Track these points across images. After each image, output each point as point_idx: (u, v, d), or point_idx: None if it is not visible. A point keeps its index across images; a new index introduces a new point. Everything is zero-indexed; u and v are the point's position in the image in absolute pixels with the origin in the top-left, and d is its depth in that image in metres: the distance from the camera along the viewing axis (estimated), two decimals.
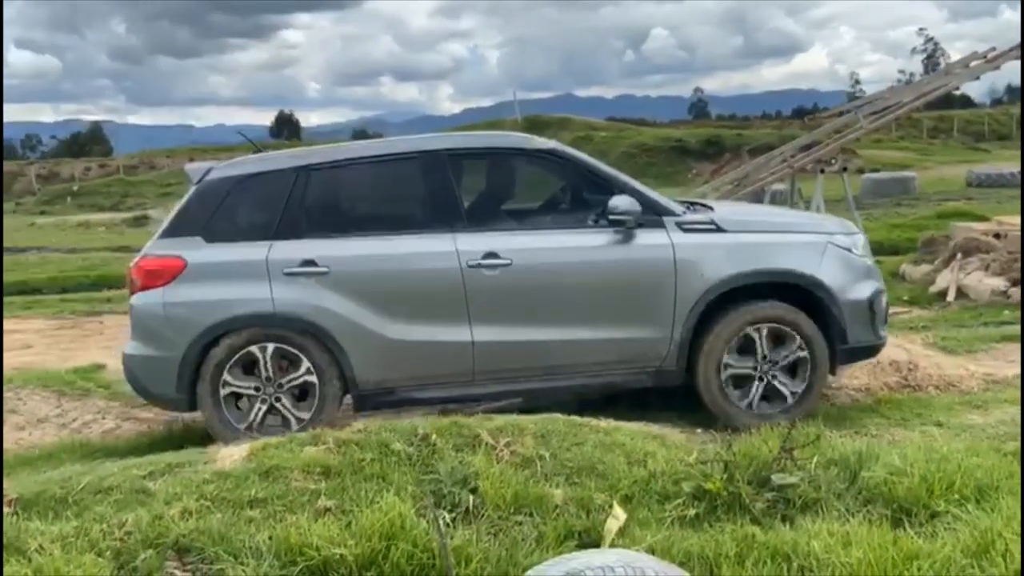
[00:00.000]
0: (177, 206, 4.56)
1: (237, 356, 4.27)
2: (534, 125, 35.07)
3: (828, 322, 4.40)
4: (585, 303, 4.36)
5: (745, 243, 4.43)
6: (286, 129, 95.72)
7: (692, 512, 2.84)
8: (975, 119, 51.97)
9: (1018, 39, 9.00)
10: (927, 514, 2.63)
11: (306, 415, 4.27)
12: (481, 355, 4.32)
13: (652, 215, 4.37)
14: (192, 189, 4.51)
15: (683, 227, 4.39)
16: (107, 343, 8.26)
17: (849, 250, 4.57)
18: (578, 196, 4.61)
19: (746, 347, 4.40)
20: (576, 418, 3.77)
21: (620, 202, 4.28)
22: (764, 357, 4.39)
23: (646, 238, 4.35)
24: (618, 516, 2.79)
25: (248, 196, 4.46)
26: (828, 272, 4.41)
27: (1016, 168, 22.95)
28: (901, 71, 71.06)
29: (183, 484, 2.96)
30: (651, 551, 2.49)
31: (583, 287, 4.36)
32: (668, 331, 4.35)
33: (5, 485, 3.04)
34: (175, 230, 4.42)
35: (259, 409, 4.31)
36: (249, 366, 4.31)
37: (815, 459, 3.09)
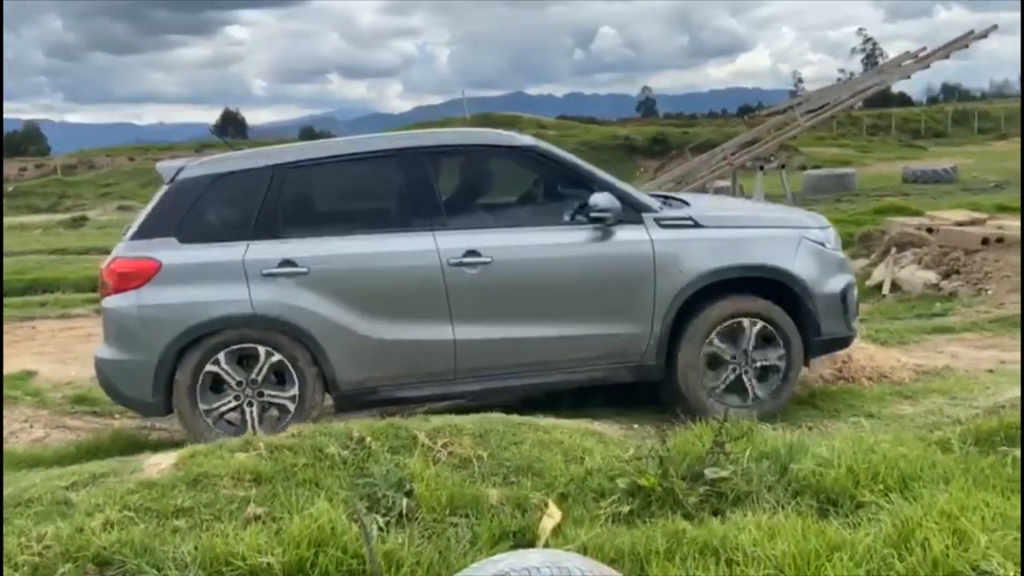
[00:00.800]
0: (148, 205, 4.47)
1: (238, 347, 4.23)
2: (484, 123, 35.01)
3: (802, 315, 4.49)
4: (566, 300, 4.38)
5: (722, 238, 4.49)
6: (232, 127, 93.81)
7: (626, 508, 2.85)
8: (912, 117, 53.58)
9: (948, 38, 9.28)
10: (852, 504, 2.68)
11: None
12: (463, 353, 4.32)
13: (631, 211, 4.41)
14: (164, 188, 4.41)
15: (661, 223, 4.43)
16: (39, 349, 7.99)
17: (822, 244, 4.66)
18: (558, 193, 4.63)
19: (724, 341, 4.47)
20: (515, 417, 3.77)
21: (600, 199, 4.30)
22: (734, 357, 4.46)
23: (626, 234, 4.38)
24: (553, 515, 2.78)
25: (223, 195, 4.39)
26: (802, 266, 4.50)
27: (949, 165, 23.76)
28: (841, 70, 72.89)
29: (106, 494, 2.86)
30: (583, 549, 2.50)
31: (564, 284, 4.38)
32: (648, 326, 4.38)
33: None
34: (147, 231, 4.33)
35: (227, 402, 4.26)
36: (243, 360, 4.28)
37: (748, 452, 3.13)
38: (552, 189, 4.68)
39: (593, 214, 4.31)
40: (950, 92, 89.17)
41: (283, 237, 4.29)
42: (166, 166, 4.50)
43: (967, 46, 8.77)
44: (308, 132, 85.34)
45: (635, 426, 4.13)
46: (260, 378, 4.24)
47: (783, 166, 10.96)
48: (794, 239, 4.56)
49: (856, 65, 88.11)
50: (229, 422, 4.25)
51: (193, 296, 4.18)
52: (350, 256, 4.29)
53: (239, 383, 4.24)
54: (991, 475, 2.91)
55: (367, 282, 4.28)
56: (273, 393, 4.26)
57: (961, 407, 4.46)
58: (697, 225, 4.47)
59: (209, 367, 4.20)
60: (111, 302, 4.27)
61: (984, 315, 7.27)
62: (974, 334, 6.78)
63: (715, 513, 2.82)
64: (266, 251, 4.24)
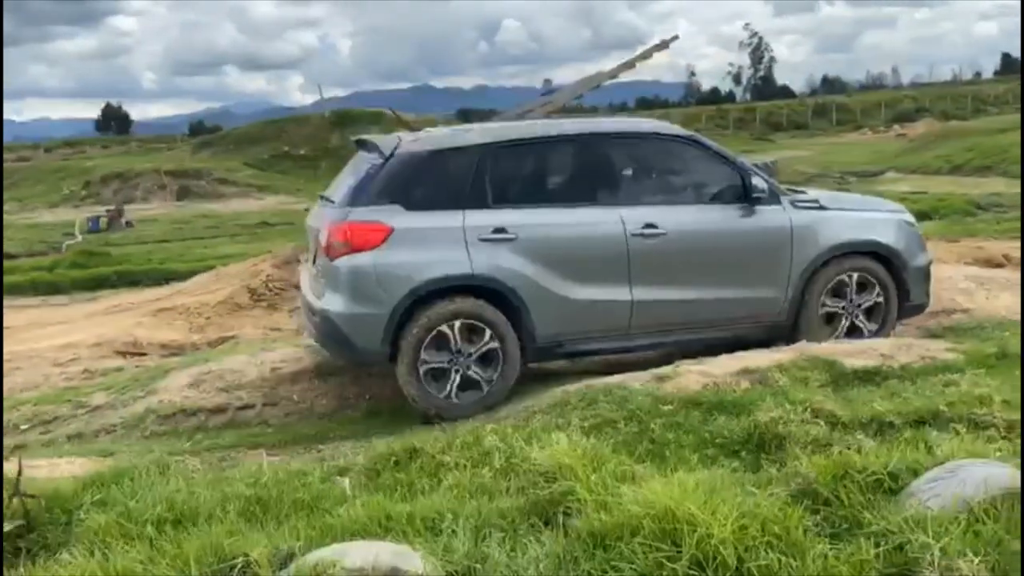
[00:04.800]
0: (356, 174, 4.98)
1: (470, 321, 4.66)
2: (343, 120, 34.50)
3: (898, 283, 5.31)
4: (723, 267, 5.07)
5: (843, 219, 5.31)
6: (114, 123, 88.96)
7: None
8: (775, 110, 55.84)
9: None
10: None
11: (492, 374, 4.72)
12: (638, 312, 4.94)
13: (772, 195, 5.15)
14: (379, 160, 4.85)
15: (796, 205, 5.22)
16: None
17: (912, 226, 5.58)
18: (710, 176, 5.23)
19: (838, 290, 5.24)
20: None
21: (759, 182, 5.07)
22: (851, 301, 5.25)
23: (769, 214, 5.12)
24: None
25: (439, 170, 4.85)
26: (902, 243, 5.36)
27: (771, 159, 24.83)
28: (731, 64, 75.31)
29: None
30: None
31: (722, 254, 5.09)
32: (784, 291, 5.14)
33: None
34: (372, 198, 4.73)
35: (441, 362, 4.67)
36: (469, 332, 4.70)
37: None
38: (706, 172, 5.26)
39: (755, 194, 5.04)
40: (830, 85, 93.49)
41: (492, 207, 4.79)
42: (383, 141, 5.03)
43: (650, 56, 9.19)
44: (198, 127, 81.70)
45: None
46: (475, 354, 4.69)
47: None
48: (894, 221, 5.48)
49: (744, 59, 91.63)
50: (434, 378, 4.67)
51: (422, 257, 4.63)
52: (551, 225, 4.85)
53: (458, 351, 4.67)
54: (314, 501, 2.96)
55: (564, 248, 4.83)
56: (477, 370, 4.71)
57: None
58: (822, 208, 5.27)
59: (443, 328, 4.63)
60: (348, 261, 4.63)
61: None
62: None
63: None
64: (480, 219, 4.74)
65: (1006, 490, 2.51)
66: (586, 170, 5.09)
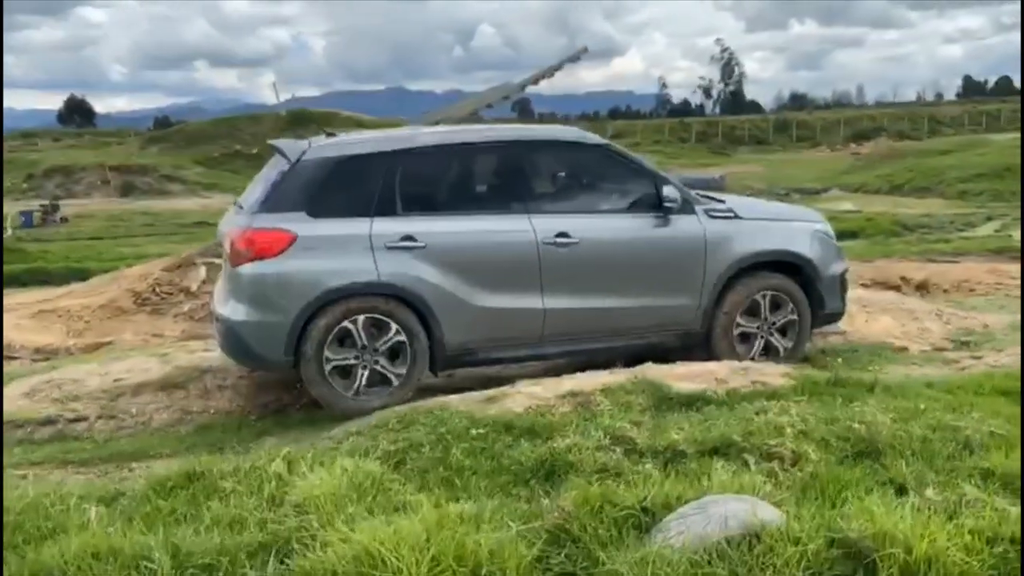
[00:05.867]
0: (266, 180, 4.81)
1: (374, 316, 4.57)
2: (299, 120, 34.16)
3: (811, 292, 5.34)
4: (636, 276, 5.04)
5: (757, 228, 5.31)
6: (77, 116, 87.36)
7: None
8: (738, 124, 56.42)
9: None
10: None
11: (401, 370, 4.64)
12: (550, 320, 4.89)
13: (687, 204, 5.09)
14: (286, 166, 4.70)
15: (710, 214, 5.18)
16: None
17: (828, 235, 5.61)
18: (625, 185, 5.21)
19: (753, 310, 5.23)
20: None
21: (671, 192, 5.00)
22: (765, 319, 5.24)
23: (683, 223, 5.07)
24: None
25: (347, 176, 4.73)
26: (816, 253, 5.38)
27: (720, 173, 25.07)
28: (701, 77, 76.08)
29: None
30: None
31: (635, 263, 5.04)
32: (697, 299, 5.12)
33: None
34: (277, 205, 4.60)
35: (346, 359, 4.58)
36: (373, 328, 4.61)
37: None
38: (621, 181, 5.23)
39: (667, 204, 4.98)
40: (798, 101, 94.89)
41: (401, 215, 4.71)
42: (291, 146, 4.86)
43: (561, 68, 9.19)
44: (163, 122, 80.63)
45: None
46: (381, 349, 4.59)
47: None
48: (809, 230, 5.49)
49: (715, 72, 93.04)
50: (341, 376, 4.59)
51: (326, 265, 4.52)
52: (460, 233, 4.76)
53: (363, 347, 4.58)
54: (55, 531, 2.79)
55: (474, 256, 4.76)
56: (385, 365, 4.62)
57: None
58: (737, 217, 5.25)
59: (346, 323, 4.54)
60: (250, 268, 4.52)
61: None
62: None
63: None
64: (389, 227, 4.63)
65: (744, 528, 2.44)
66: (498, 178, 5.05)
